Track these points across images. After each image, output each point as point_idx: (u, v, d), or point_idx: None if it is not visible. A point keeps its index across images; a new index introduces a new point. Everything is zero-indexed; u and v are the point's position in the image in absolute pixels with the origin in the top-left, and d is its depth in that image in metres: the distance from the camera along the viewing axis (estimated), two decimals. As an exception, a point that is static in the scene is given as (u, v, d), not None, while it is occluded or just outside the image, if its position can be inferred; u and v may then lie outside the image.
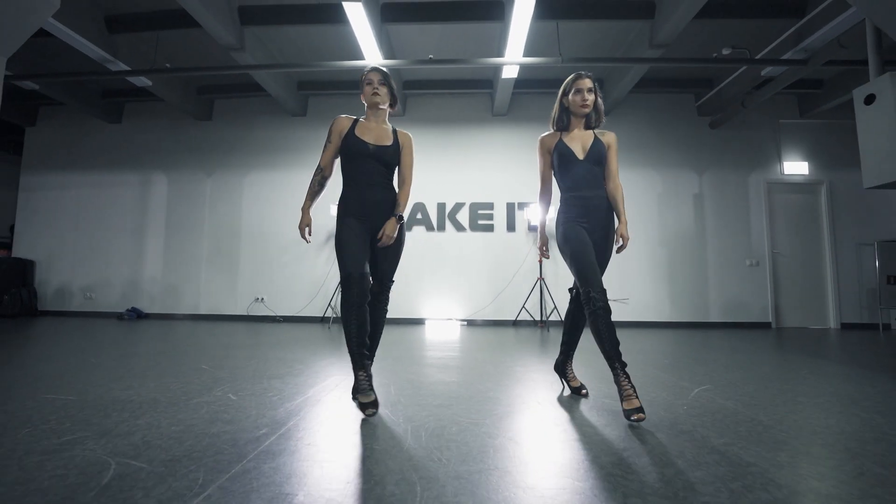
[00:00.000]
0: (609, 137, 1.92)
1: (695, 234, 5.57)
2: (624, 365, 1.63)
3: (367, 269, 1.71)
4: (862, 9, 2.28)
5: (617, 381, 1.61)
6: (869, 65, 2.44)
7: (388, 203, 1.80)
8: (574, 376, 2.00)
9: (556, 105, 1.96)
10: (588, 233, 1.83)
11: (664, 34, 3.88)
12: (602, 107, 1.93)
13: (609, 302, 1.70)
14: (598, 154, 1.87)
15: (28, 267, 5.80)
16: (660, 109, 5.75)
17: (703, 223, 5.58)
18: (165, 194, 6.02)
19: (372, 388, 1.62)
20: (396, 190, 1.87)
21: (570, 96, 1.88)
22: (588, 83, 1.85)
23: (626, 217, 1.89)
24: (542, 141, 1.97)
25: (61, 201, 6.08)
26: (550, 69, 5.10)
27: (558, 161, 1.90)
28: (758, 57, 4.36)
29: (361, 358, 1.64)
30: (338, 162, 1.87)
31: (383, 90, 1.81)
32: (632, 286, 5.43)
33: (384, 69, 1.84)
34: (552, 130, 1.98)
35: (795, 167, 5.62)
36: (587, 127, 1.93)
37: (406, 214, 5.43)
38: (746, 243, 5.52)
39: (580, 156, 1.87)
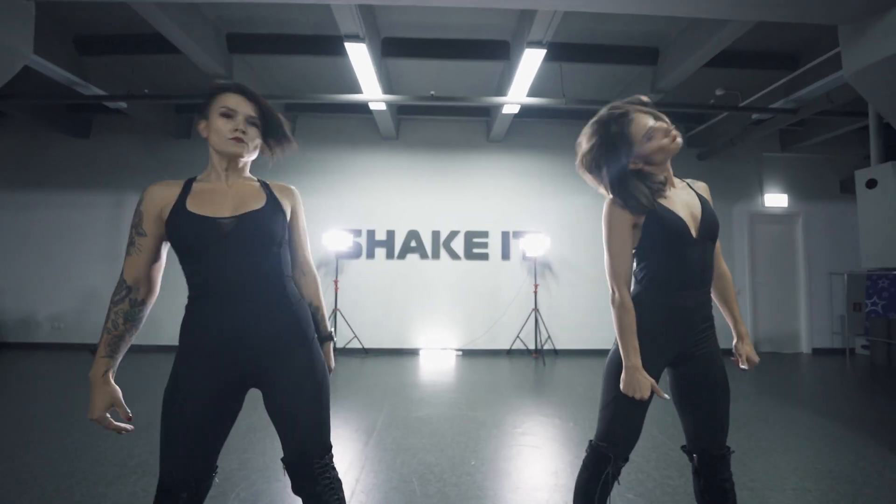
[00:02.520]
0: (703, 189, 1.22)
1: (681, 263, 5.73)
2: None
3: (210, 463, 1.00)
4: (869, 99, 2.35)
5: None
6: (871, 148, 2.54)
7: (281, 315, 1.01)
8: None
9: (611, 174, 1.12)
10: (671, 363, 1.16)
11: (667, 82, 3.91)
12: None
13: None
14: (712, 224, 1.14)
15: (-13, 296, 5.34)
16: (651, 139, 5.83)
17: (690, 252, 5.75)
18: (140, 216, 5.64)
19: None
20: (291, 281, 1.09)
21: (648, 145, 1.11)
22: (656, 122, 1.12)
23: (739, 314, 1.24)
24: (620, 209, 1.12)
25: (24, 223, 5.59)
26: (548, 100, 5.07)
27: (664, 239, 1.11)
28: (749, 104, 4.47)
29: None
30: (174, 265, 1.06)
31: (253, 132, 1.03)
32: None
33: (256, 93, 1.04)
34: (620, 208, 1.13)
35: (776, 199, 5.86)
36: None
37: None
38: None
39: (693, 231, 1.11)
